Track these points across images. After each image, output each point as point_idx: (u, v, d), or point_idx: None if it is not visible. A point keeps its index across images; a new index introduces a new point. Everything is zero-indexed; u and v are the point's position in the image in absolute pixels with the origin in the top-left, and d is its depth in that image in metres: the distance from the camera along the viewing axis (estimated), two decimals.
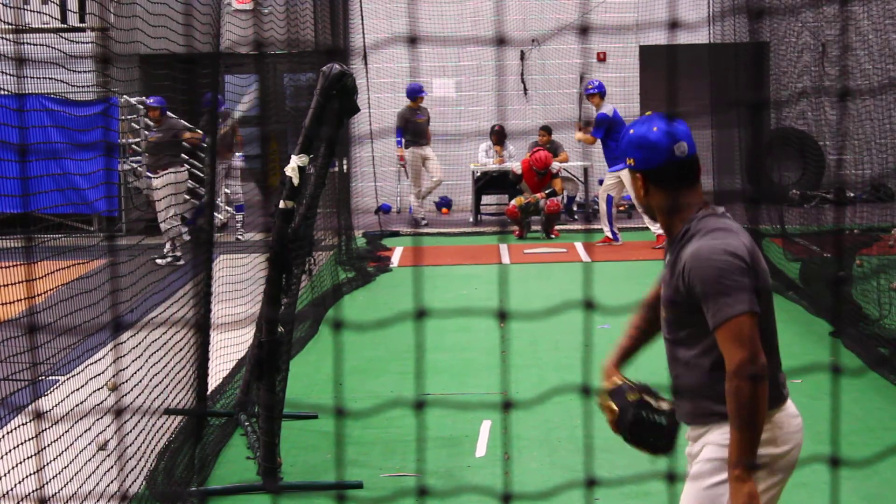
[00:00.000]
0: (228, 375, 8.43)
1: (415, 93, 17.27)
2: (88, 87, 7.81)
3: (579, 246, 15.29)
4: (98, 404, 5.46)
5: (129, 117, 16.02)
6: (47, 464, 4.76)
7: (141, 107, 15.88)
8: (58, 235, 9.63)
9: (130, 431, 5.98)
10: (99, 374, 5.67)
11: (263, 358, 6.10)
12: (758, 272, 3.47)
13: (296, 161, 6.06)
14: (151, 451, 6.32)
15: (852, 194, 13.75)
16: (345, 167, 14.03)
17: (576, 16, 18.48)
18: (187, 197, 15.25)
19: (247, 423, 7.10)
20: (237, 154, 16.25)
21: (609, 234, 15.08)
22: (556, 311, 2.91)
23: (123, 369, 5.85)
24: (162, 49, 7.70)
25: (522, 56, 19.29)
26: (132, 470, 5.87)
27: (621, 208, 16.89)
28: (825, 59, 12.56)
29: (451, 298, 11.52)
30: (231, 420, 7.32)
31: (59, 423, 4.94)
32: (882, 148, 11.24)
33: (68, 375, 6.36)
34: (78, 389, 5.62)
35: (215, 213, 10.76)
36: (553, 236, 16.13)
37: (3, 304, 5.00)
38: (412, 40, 2.91)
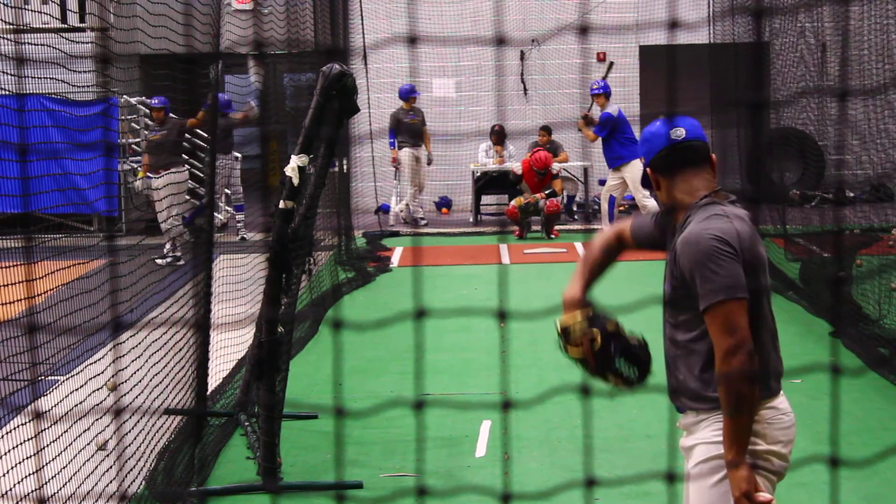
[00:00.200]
0: (228, 375, 8.42)
1: (407, 94, 17.24)
2: (88, 87, 7.79)
3: (579, 246, 15.27)
4: (98, 404, 5.46)
5: (129, 117, 16.01)
6: (47, 464, 4.75)
7: (141, 107, 15.88)
8: (58, 235, 9.61)
9: (130, 431, 5.98)
10: (99, 375, 5.67)
11: (263, 358, 6.10)
12: (751, 259, 3.47)
13: (296, 161, 6.06)
14: (151, 451, 6.32)
15: (852, 194, 13.75)
16: (345, 167, 14.02)
17: (576, 16, 18.47)
18: (188, 197, 15.24)
19: (247, 423, 7.10)
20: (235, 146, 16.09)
21: None
22: (556, 311, 2.91)
23: (123, 369, 5.85)
24: (162, 49, 7.70)
25: (522, 56, 19.28)
26: (132, 470, 5.87)
27: (622, 208, 16.88)
28: (825, 58, 12.56)
29: (451, 298, 11.51)
30: (231, 420, 7.32)
31: (58, 423, 4.94)
32: (882, 148, 11.23)
33: (68, 375, 6.36)
34: (77, 389, 5.62)
35: (215, 213, 10.76)
36: (553, 236, 16.13)
37: (3, 304, 5.00)
38: (412, 40, 2.92)
